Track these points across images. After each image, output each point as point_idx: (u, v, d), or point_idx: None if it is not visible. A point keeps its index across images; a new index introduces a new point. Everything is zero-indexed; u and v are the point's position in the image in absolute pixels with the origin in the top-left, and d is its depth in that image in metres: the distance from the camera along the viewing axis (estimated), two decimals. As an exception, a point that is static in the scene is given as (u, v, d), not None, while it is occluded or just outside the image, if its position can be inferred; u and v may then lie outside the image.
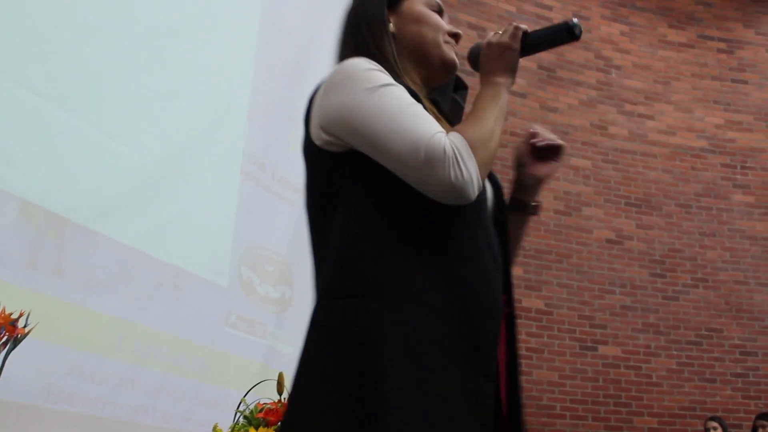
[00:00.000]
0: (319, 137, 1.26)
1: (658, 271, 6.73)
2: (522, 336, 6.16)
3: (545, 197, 6.58)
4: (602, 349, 6.38)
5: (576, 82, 7.06)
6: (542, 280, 6.38)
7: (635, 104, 7.20)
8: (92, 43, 3.10)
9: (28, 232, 2.71)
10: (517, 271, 6.26)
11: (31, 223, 2.73)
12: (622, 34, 7.40)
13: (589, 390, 6.25)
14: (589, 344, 6.36)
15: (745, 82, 7.54)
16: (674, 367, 6.51)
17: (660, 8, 7.61)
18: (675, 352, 6.54)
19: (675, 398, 6.42)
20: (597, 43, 7.28)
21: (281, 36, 4.50)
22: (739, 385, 6.58)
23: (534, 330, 6.22)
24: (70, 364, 2.75)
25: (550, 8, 7.18)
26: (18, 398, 2.51)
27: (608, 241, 6.69)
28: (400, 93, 1.24)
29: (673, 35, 7.56)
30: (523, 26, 1.35)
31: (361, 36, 1.39)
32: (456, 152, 1.18)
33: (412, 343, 1.14)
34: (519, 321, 6.24)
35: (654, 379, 6.43)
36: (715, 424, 5.81)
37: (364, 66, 1.26)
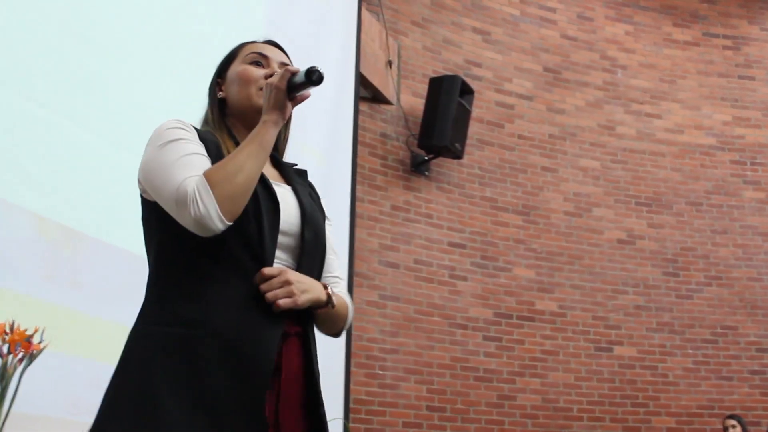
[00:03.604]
0: (140, 187, 1.51)
1: (671, 269, 6.72)
2: (536, 338, 6.16)
3: (555, 199, 6.60)
4: (617, 350, 6.37)
5: (582, 83, 7.07)
6: (555, 282, 6.38)
7: (642, 103, 7.20)
8: (100, 55, 3.14)
9: (44, 247, 2.74)
10: (528, 273, 6.30)
11: (47, 238, 2.77)
12: (627, 33, 7.40)
13: (606, 391, 6.23)
14: (603, 345, 6.35)
15: (752, 78, 7.53)
16: (690, 365, 6.48)
17: (664, 7, 7.62)
18: (690, 351, 6.52)
19: (692, 397, 6.40)
20: (602, 43, 7.29)
21: (284, 46, 4.52)
22: (757, 382, 6.55)
23: (548, 332, 6.21)
24: (90, 375, 2.78)
25: (553, 10, 7.19)
26: (41, 411, 2.54)
27: (620, 241, 6.69)
28: (184, 146, 1.45)
29: (678, 33, 7.56)
30: (293, 69, 1.50)
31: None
32: (196, 191, 1.37)
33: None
34: (532, 323, 6.12)
35: (670, 379, 6.41)
36: (733, 422, 5.78)
37: (168, 125, 1.50)
